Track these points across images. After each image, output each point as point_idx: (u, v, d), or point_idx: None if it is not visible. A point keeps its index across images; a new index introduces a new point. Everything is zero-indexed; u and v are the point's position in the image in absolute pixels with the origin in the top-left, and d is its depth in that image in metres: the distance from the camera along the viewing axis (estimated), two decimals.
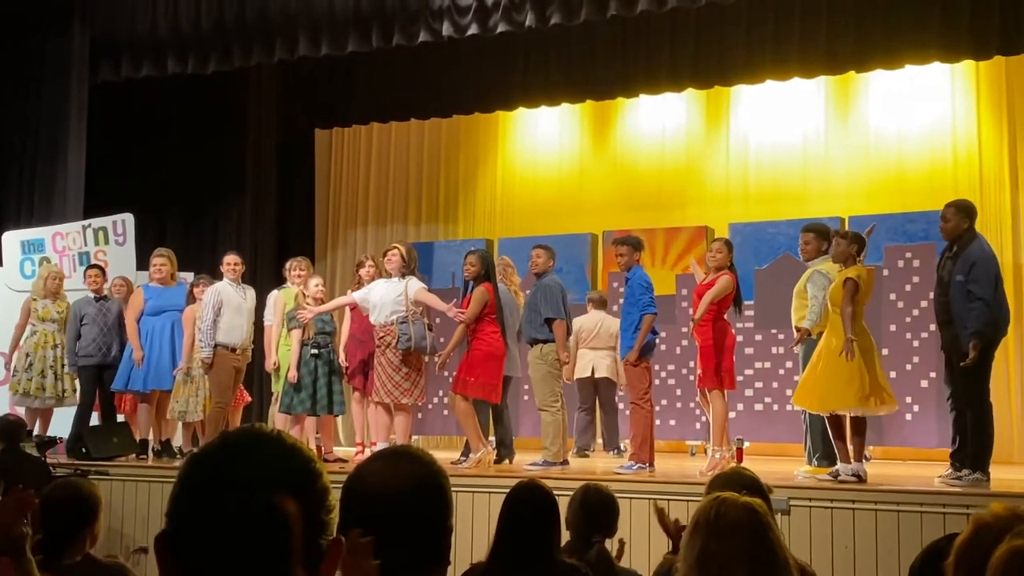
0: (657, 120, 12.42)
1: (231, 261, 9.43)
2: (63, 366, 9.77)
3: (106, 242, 11.04)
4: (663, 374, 11.36)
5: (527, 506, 3.67)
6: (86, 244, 11.04)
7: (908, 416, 9.99)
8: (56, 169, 11.36)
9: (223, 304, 9.10)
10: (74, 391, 9.85)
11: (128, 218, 11.08)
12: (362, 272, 9.55)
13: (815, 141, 11.74)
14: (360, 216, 13.83)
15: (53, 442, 8.99)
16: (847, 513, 6.51)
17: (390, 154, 13.80)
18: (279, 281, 11.18)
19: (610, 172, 12.65)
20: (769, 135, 11.89)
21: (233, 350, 9.14)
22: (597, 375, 10.44)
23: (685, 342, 11.30)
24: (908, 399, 10.04)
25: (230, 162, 12.75)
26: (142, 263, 11.11)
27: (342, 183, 13.98)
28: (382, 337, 8.81)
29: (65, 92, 11.37)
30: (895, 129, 11.38)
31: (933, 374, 10.09)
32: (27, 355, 9.69)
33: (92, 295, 9.88)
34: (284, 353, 9.22)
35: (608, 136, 12.78)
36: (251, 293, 9.53)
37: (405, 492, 1.88)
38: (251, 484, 1.24)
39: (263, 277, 12.66)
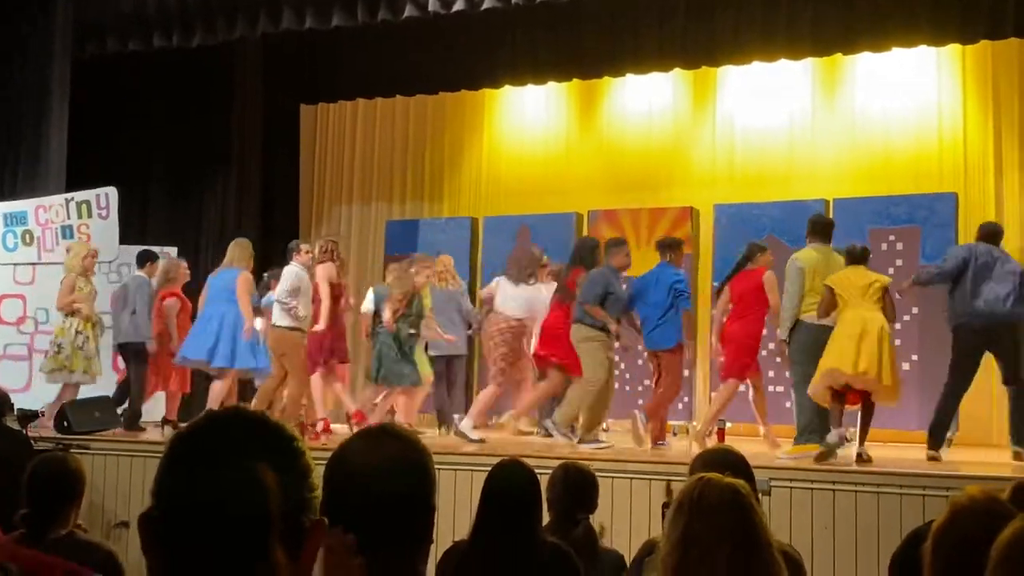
0: (643, 100, 12.41)
1: (305, 249, 9.60)
2: (97, 345, 9.80)
3: (89, 215, 10.99)
4: (645, 354, 11.37)
5: (509, 484, 3.68)
6: (69, 217, 10.98)
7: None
8: (40, 143, 11.28)
9: (301, 289, 9.18)
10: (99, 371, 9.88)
11: (111, 192, 11.03)
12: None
13: (801, 123, 11.75)
14: (345, 193, 13.79)
15: (35, 415, 8.97)
16: (827, 494, 6.55)
17: (375, 131, 13.76)
18: (263, 257, 11.17)
19: (596, 152, 12.64)
20: (755, 117, 11.89)
21: (304, 332, 9.35)
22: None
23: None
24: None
25: (215, 137, 12.68)
26: (125, 237, 11.09)
27: (327, 159, 13.93)
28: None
29: (49, 66, 11.28)
30: (881, 113, 11.40)
31: (915, 356, 10.15)
32: (77, 332, 9.64)
33: (144, 276, 10.06)
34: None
35: (594, 116, 12.76)
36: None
37: (388, 470, 1.88)
38: (231, 457, 1.25)
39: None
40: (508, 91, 12.82)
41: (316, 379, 9.65)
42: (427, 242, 12.42)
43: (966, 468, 7.47)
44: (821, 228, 8.43)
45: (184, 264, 10.26)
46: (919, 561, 2.29)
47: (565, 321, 8.78)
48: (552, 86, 12.56)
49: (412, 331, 9.46)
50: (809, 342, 7.86)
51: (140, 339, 9.77)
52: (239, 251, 9.56)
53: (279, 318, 9.14)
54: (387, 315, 9.34)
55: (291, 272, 9.23)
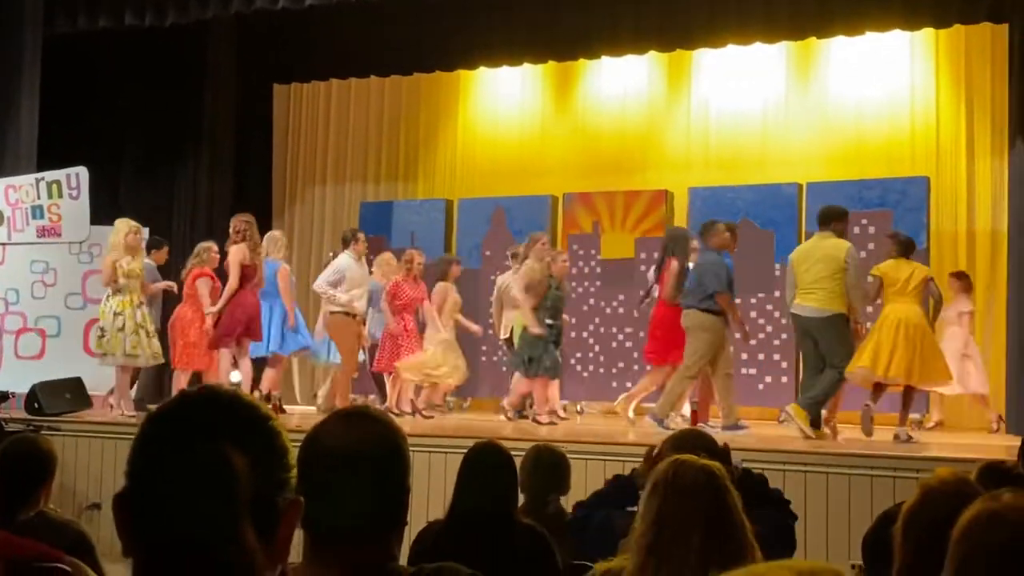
0: (619, 83, 12.40)
1: (362, 239, 10.23)
2: (151, 324, 9.70)
3: (59, 195, 10.87)
4: (620, 336, 11.43)
5: (485, 466, 3.70)
6: (39, 197, 10.87)
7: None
8: (9, 121, 11.15)
9: (345, 276, 9.84)
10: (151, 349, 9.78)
11: (82, 171, 10.92)
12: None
13: (775, 107, 11.78)
14: (319, 174, 13.72)
15: (5, 397, 8.92)
16: (799, 476, 6.59)
17: (349, 111, 13.69)
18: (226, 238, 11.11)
19: (571, 134, 12.63)
20: (730, 100, 11.91)
21: (353, 316, 9.85)
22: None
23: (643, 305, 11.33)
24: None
25: (187, 117, 12.57)
26: (96, 217, 10.99)
27: (300, 140, 13.85)
28: None
29: (19, 43, 11.14)
30: (854, 97, 11.44)
31: None
32: (117, 314, 9.52)
33: (151, 263, 10.22)
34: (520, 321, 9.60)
35: (569, 98, 12.75)
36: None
37: (363, 452, 1.88)
38: (200, 440, 1.24)
39: (220, 233, 12.55)
40: (483, 73, 12.79)
41: (225, 355, 9.74)
42: (401, 224, 12.41)
43: (936, 450, 7.54)
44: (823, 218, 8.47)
45: (215, 247, 10.25)
46: (890, 542, 2.32)
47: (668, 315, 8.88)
48: (527, 68, 12.53)
49: (551, 321, 9.22)
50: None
51: None
52: (271, 244, 10.16)
53: (326, 304, 9.86)
54: (526, 306, 9.17)
55: (338, 264, 9.97)
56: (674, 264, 8.89)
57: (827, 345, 8.00)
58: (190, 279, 9.78)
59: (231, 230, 9.74)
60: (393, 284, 10.10)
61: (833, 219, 8.34)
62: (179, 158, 12.66)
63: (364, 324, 10.23)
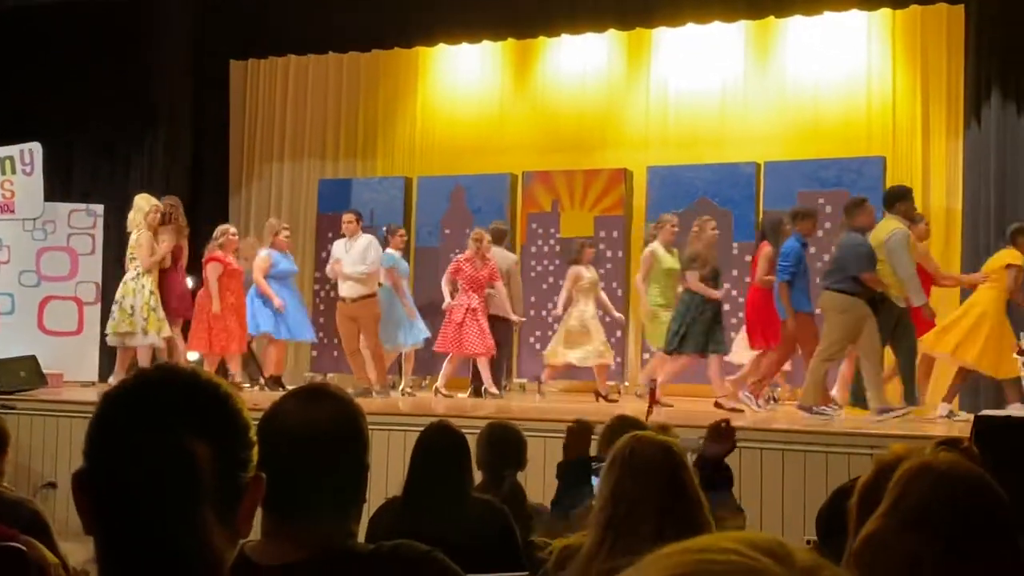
0: (578, 61, 12.39)
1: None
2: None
3: (13, 172, 10.73)
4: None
5: (438, 446, 3.73)
6: None
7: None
8: None
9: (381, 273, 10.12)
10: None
11: (36, 147, 10.78)
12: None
13: (734, 86, 11.82)
14: (276, 151, 13.60)
15: None
16: (755, 453, 6.66)
17: (307, 88, 13.57)
18: (191, 215, 11.06)
19: (530, 112, 12.61)
20: (689, 79, 11.93)
21: (343, 300, 9.96)
22: (488, 312, 10.32)
23: (602, 284, 11.36)
24: None
25: (142, 94, 12.41)
26: (50, 194, 10.87)
27: (258, 117, 13.72)
28: None
29: None
30: (812, 77, 11.50)
31: None
32: (152, 293, 9.50)
33: None
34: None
35: (529, 76, 12.72)
36: (358, 244, 9.97)
37: (321, 430, 1.88)
38: (160, 424, 1.24)
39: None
40: (442, 50, 12.72)
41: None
42: (360, 201, 12.33)
43: (891, 428, 7.63)
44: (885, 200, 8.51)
45: (231, 228, 10.45)
46: (844, 517, 2.34)
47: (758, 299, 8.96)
48: (487, 45, 12.47)
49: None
50: None
51: None
52: (266, 233, 10.65)
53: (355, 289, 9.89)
54: (693, 279, 8.98)
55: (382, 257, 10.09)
56: (767, 249, 8.90)
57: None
58: (204, 263, 10.00)
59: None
60: (455, 263, 10.12)
61: (896, 200, 8.39)
62: (135, 134, 12.49)
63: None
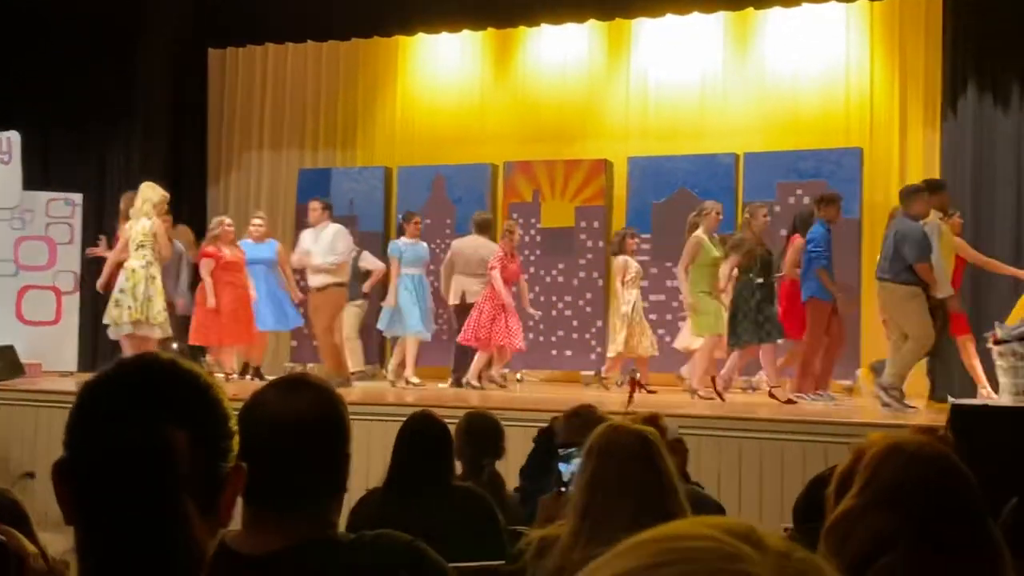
0: (558, 51, 12.38)
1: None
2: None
3: None
4: (560, 305, 11.48)
5: (420, 436, 3.74)
6: None
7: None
8: None
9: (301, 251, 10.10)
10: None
11: (14, 135, 10.72)
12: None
13: (713, 78, 11.84)
14: (255, 140, 13.55)
15: None
16: (734, 442, 6.70)
17: (286, 77, 13.51)
18: (170, 205, 10.97)
19: (511, 102, 12.60)
20: (668, 70, 11.95)
21: (312, 290, 10.00)
22: (468, 301, 10.21)
23: (583, 273, 11.41)
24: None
25: (120, 82, 12.33)
26: (28, 182, 10.82)
27: (236, 106, 13.65)
28: None
29: None
30: (790, 68, 11.53)
31: None
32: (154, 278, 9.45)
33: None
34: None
35: (509, 66, 12.71)
36: (325, 234, 9.93)
37: (303, 420, 1.89)
38: (139, 414, 1.24)
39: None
40: (422, 39, 12.69)
41: None
42: (340, 191, 12.32)
43: (867, 416, 7.69)
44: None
45: (226, 220, 10.42)
46: (821, 505, 2.37)
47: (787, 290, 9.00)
48: (467, 35, 12.46)
49: (760, 280, 8.91)
50: None
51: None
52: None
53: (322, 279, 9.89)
54: (729, 264, 8.95)
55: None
56: (799, 241, 8.92)
57: None
58: (196, 260, 10.12)
59: (121, 207, 9.78)
60: (499, 260, 10.01)
61: (931, 192, 8.33)
62: (112, 123, 12.42)
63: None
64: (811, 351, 8.67)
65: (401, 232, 10.48)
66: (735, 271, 9.11)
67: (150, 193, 9.52)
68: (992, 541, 1.83)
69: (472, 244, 10.39)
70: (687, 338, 10.08)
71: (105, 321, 9.39)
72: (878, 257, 8.39)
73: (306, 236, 10.10)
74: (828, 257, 8.61)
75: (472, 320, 9.93)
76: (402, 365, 10.33)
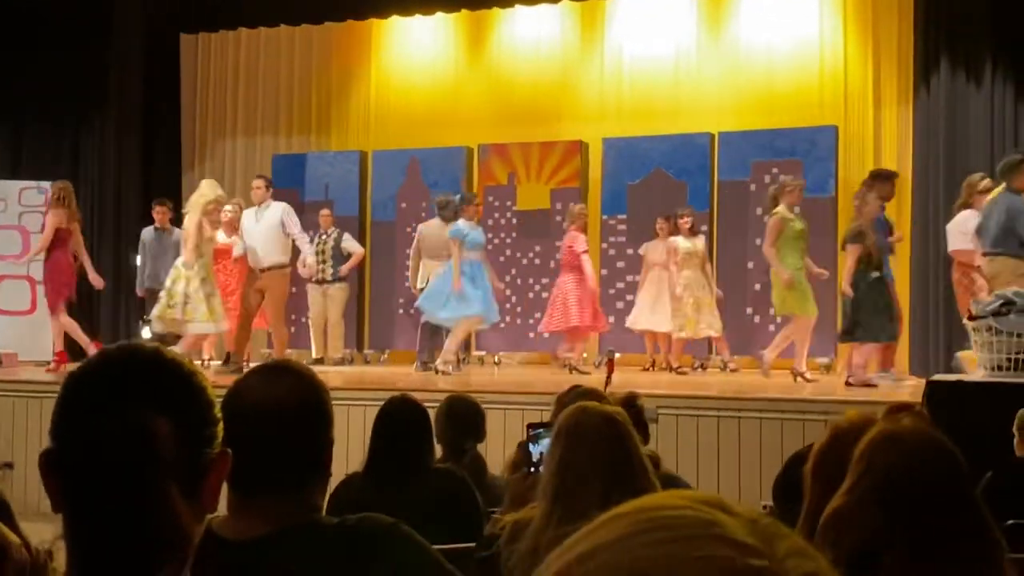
0: (532, 32, 12.37)
1: (255, 184, 9.99)
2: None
3: None
4: (537, 287, 11.50)
5: (398, 419, 3.75)
6: None
7: (771, 327, 10.33)
8: None
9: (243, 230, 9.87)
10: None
11: None
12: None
13: (687, 56, 11.85)
14: (229, 126, 13.48)
15: None
16: (712, 421, 6.74)
17: (259, 62, 13.43)
18: (144, 192, 10.98)
19: (485, 85, 12.57)
20: (643, 49, 11.96)
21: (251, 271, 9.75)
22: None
23: (559, 256, 11.38)
24: (771, 311, 10.37)
25: (92, 69, 12.23)
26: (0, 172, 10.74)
27: (209, 92, 13.57)
28: None
29: None
30: (764, 46, 11.55)
31: None
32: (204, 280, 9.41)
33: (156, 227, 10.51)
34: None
35: (483, 48, 12.68)
36: (268, 213, 9.70)
37: (285, 407, 1.89)
38: (123, 403, 1.25)
39: (128, 188, 12.32)
40: (395, 21, 12.65)
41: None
42: (315, 176, 12.29)
43: (843, 393, 7.75)
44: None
45: (227, 207, 10.43)
46: (800, 482, 2.39)
47: None
48: (440, 16, 12.41)
49: (876, 273, 8.38)
50: None
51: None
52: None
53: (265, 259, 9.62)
54: (852, 254, 8.39)
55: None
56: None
57: None
58: None
59: (51, 196, 9.83)
60: (575, 241, 9.93)
61: (1008, 171, 8.06)
62: (84, 110, 12.33)
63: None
64: None
65: (455, 215, 9.92)
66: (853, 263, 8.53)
67: (205, 190, 9.48)
68: (989, 531, 1.83)
69: (436, 227, 10.26)
70: (643, 318, 10.13)
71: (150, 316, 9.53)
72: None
73: (248, 215, 9.84)
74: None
75: (559, 306, 9.91)
76: (438, 349, 10.01)
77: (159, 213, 10.67)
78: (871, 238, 8.35)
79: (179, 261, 9.37)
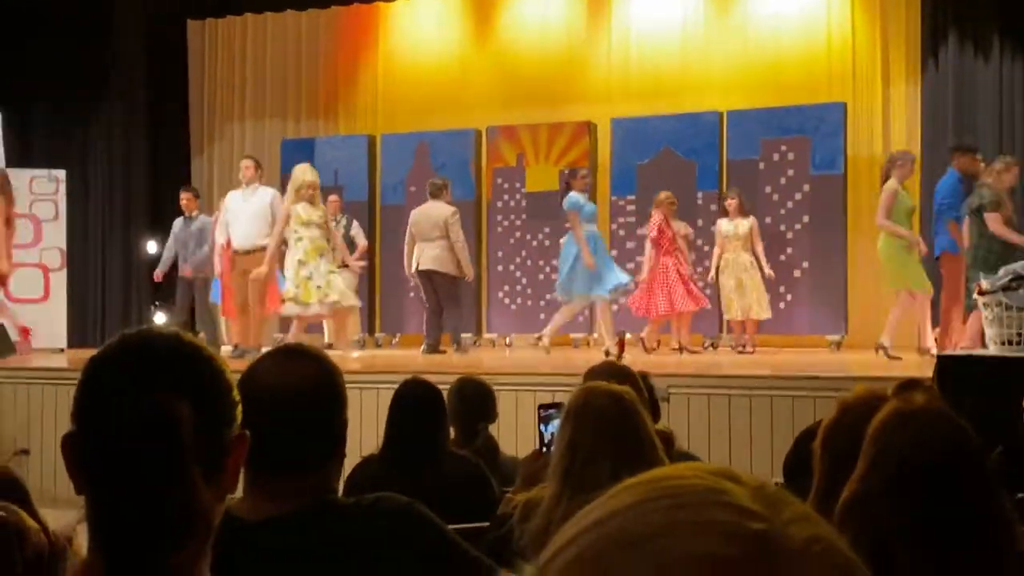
0: (539, 11, 12.35)
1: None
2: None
3: None
4: (547, 269, 11.50)
5: (412, 401, 3.77)
6: None
7: (782, 305, 10.35)
8: None
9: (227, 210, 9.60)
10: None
11: None
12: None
13: (695, 35, 11.82)
14: (237, 111, 13.50)
15: None
16: (723, 399, 6.75)
17: (266, 47, 13.44)
18: (154, 178, 11.01)
19: (493, 67, 12.55)
20: (650, 27, 11.93)
21: (236, 253, 9.45)
22: (422, 268, 9.94)
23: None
24: (782, 288, 10.39)
25: (100, 56, 12.27)
26: (10, 161, 10.77)
27: (217, 77, 13.58)
28: None
29: None
30: (772, 22, 11.51)
31: (806, 263, 10.45)
32: (300, 262, 9.20)
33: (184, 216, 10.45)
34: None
35: (491, 29, 12.66)
36: (259, 194, 9.53)
37: (301, 390, 1.92)
38: (142, 387, 1.27)
39: (137, 174, 12.36)
40: (402, 4, 12.64)
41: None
42: (324, 161, 12.28)
43: (853, 369, 7.76)
44: None
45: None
46: (810, 458, 2.41)
47: None
48: None
49: None
50: None
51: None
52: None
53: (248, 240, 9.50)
54: (996, 222, 7.90)
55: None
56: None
57: None
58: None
59: None
60: (657, 227, 9.78)
61: None
62: (93, 97, 12.37)
63: None
64: (950, 306, 8.32)
65: (567, 188, 9.55)
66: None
67: (296, 173, 9.29)
68: (1005, 512, 1.83)
69: (426, 210, 10.13)
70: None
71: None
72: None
73: (234, 196, 9.65)
74: (959, 208, 8.26)
75: (645, 292, 9.81)
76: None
77: (185, 199, 10.66)
78: (1008, 206, 8.12)
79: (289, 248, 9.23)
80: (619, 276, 9.28)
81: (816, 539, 0.58)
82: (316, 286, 9.09)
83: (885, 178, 8.75)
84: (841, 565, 0.58)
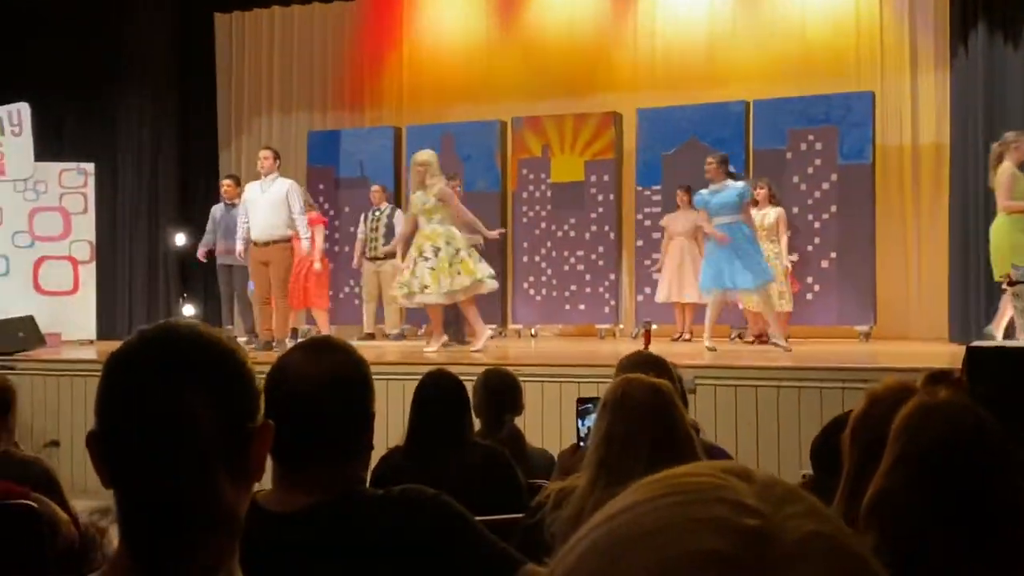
0: (564, 1, 12.32)
1: (263, 155, 9.69)
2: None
3: (2, 133, 10.72)
4: (572, 259, 11.49)
5: (435, 393, 3.78)
6: None
7: (809, 296, 10.30)
8: None
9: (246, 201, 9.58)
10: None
11: (24, 108, 10.75)
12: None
13: (721, 21, 11.76)
14: (264, 104, 13.55)
15: None
16: (750, 391, 6.73)
17: (293, 39, 13.48)
18: (182, 171, 11.06)
19: (518, 57, 12.53)
20: (676, 16, 11.89)
21: (255, 244, 9.37)
22: None
23: (594, 227, 11.39)
24: (809, 279, 10.34)
25: (128, 50, 12.35)
26: (40, 154, 10.85)
27: (244, 70, 13.64)
28: None
29: None
30: (799, 10, 11.44)
31: (834, 254, 10.38)
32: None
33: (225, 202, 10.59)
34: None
35: (516, 19, 12.64)
36: (277, 185, 9.46)
37: (330, 380, 1.93)
38: (163, 381, 1.27)
39: (166, 165, 12.44)
40: None
41: None
42: (350, 153, 12.33)
43: (883, 360, 7.72)
44: None
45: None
46: (838, 449, 2.40)
47: None
48: None
49: None
50: None
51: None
52: None
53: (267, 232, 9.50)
54: None
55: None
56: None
57: None
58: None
59: None
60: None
61: None
62: (121, 91, 12.46)
63: None
64: None
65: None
66: None
67: (422, 157, 9.08)
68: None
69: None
70: (665, 290, 10.11)
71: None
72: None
73: (252, 188, 9.55)
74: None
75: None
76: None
77: (226, 186, 10.73)
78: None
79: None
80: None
81: (816, 535, 0.58)
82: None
83: (997, 161, 8.53)
84: (842, 561, 0.58)
